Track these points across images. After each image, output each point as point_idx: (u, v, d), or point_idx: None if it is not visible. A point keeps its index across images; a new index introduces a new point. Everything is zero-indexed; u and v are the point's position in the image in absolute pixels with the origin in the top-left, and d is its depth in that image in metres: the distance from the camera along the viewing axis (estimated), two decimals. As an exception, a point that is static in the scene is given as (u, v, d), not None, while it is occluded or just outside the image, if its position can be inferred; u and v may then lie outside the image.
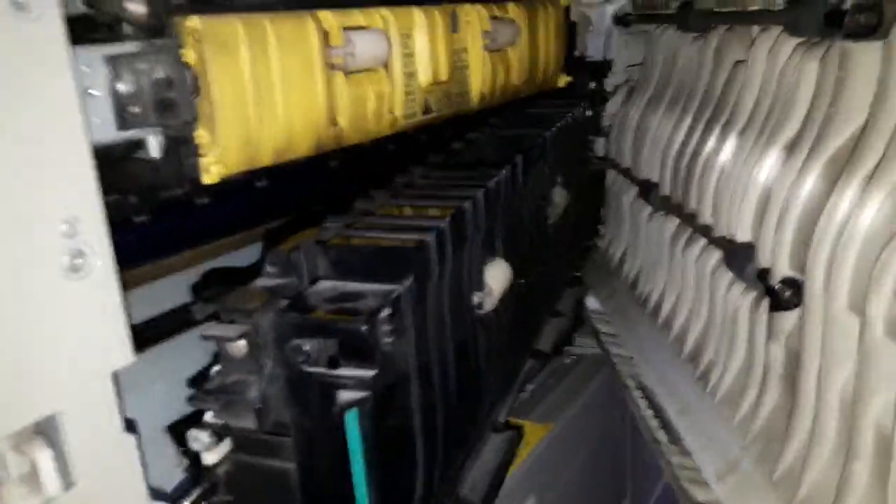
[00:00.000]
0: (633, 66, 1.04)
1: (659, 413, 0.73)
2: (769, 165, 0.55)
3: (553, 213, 0.85)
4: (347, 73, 0.50)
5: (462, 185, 0.60)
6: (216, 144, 0.39)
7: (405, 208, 0.56)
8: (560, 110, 0.91)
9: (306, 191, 0.67)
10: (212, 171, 0.40)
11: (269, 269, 0.46)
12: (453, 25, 0.65)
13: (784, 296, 0.50)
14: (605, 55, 1.07)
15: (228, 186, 0.43)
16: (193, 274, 0.63)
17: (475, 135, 0.80)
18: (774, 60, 0.56)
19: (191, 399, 0.40)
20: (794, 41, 0.55)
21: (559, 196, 0.86)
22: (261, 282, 0.46)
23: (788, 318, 0.51)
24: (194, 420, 0.41)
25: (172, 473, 0.55)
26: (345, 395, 0.41)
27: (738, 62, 0.65)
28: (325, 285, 0.46)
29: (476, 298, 0.59)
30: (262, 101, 0.42)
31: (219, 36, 0.38)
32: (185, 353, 0.56)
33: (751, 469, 0.53)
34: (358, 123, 0.53)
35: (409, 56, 0.58)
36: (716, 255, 0.66)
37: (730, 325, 0.60)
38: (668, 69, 0.84)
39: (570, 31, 1.03)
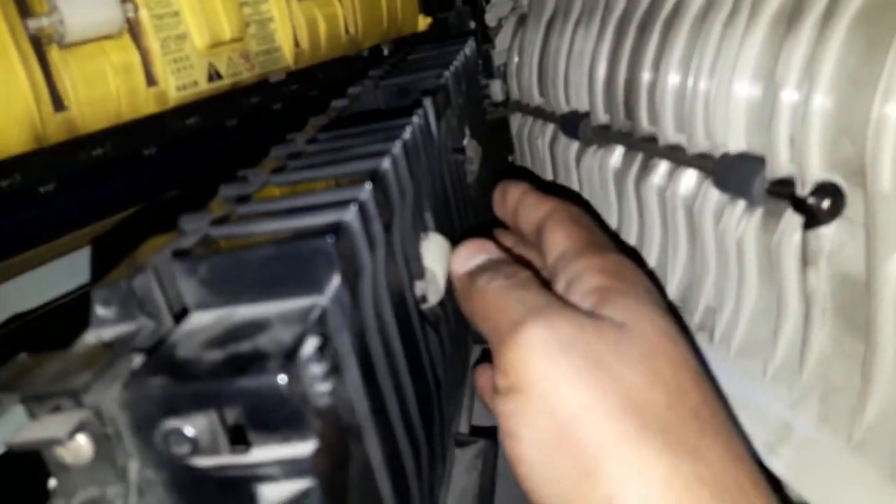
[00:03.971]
0: (517, -10, 0.91)
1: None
2: (759, 51, 0.43)
3: (470, 170, 0.70)
4: (63, 45, 0.43)
5: (368, 143, 0.43)
6: None
7: (298, 186, 0.39)
8: (446, 50, 0.76)
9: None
10: None
11: (100, 311, 0.29)
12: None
13: (822, 207, 0.38)
14: (478, -15, 0.94)
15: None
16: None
17: (357, 89, 0.64)
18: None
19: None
20: None
21: (472, 149, 0.71)
22: (92, 334, 0.29)
23: (828, 235, 0.40)
24: None
25: None
26: (271, 492, 0.25)
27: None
28: (201, 320, 0.28)
29: (419, 290, 0.44)
30: None
31: None
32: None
33: (812, 433, 0.41)
34: (96, 105, 0.46)
35: (170, 16, 0.51)
36: (687, 178, 0.54)
37: (732, 258, 0.48)
38: (569, -22, 0.71)
39: (422, -37, 0.89)
